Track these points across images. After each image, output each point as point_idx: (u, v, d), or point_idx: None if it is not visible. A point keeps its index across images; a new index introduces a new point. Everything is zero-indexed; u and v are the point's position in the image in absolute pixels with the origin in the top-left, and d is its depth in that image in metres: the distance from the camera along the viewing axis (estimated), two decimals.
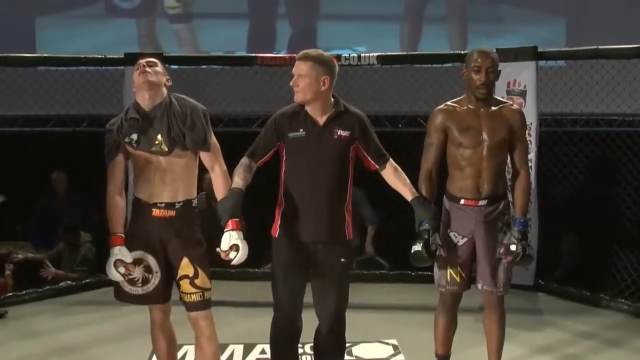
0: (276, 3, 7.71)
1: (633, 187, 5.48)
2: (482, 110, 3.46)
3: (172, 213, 3.21)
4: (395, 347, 4.39)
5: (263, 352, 4.22)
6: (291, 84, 3.24)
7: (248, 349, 4.34)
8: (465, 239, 3.51)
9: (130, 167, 3.36)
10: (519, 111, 3.57)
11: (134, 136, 3.18)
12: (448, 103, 3.54)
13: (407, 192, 3.35)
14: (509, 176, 3.64)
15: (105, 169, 3.27)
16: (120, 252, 3.16)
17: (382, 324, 4.82)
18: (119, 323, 4.76)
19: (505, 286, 3.55)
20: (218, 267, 3.21)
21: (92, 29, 7.41)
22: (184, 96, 3.31)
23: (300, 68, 3.22)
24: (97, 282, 5.65)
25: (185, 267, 3.22)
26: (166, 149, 3.17)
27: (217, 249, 3.16)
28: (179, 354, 3.92)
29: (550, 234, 5.80)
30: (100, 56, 5.73)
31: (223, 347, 4.11)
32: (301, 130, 3.25)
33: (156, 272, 3.24)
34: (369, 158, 3.34)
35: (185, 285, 3.23)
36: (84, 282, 5.67)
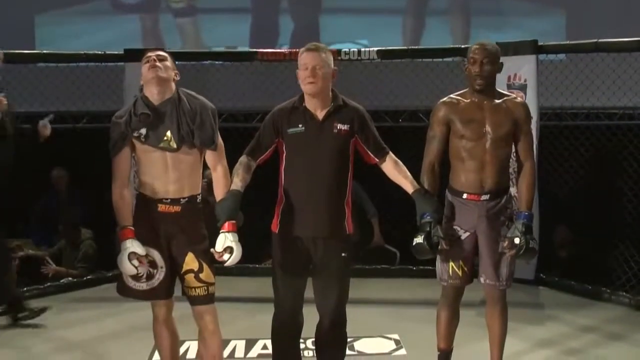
0: None
1: (634, 180, 5.48)
2: (485, 103, 3.45)
3: (177, 208, 3.21)
4: (397, 341, 4.39)
5: (265, 347, 4.22)
6: (307, 75, 3.18)
7: (250, 345, 4.34)
8: (468, 233, 3.50)
9: (133, 162, 3.35)
10: (523, 104, 3.56)
11: (143, 131, 3.17)
12: (452, 96, 3.53)
13: (408, 185, 3.35)
14: (511, 169, 3.64)
15: (110, 162, 3.26)
16: (132, 245, 3.15)
17: (383, 318, 4.82)
18: (120, 319, 4.76)
19: (507, 280, 3.54)
20: (219, 263, 3.21)
21: (93, 26, 7.41)
22: (193, 92, 3.30)
23: (318, 58, 3.19)
24: (98, 279, 5.66)
25: (190, 261, 3.23)
26: (175, 146, 3.17)
27: (212, 250, 3.18)
28: (181, 350, 3.92)
29: (552, 228, 5.82)
30: (100, 52, 5.72)
31: (225, 343, 4.10)
32: (300, 125, 3.24)
33: (161, 267, 3.24)
34: (369, 152, 3.33)
35: (190, 279, 3.24)
36: (85, 278, 5.68)
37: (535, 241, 3.47)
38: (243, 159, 3.31)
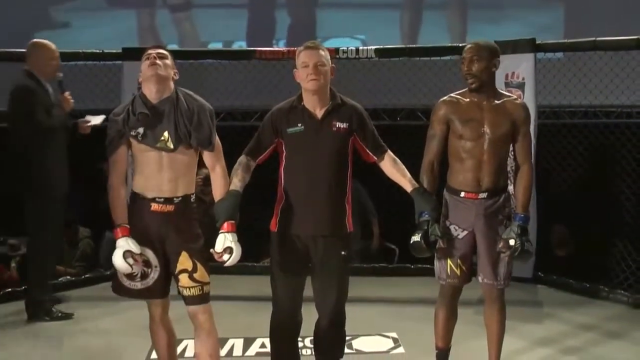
0: None
1: (632, 178, 5.48)
2: (485, 103, 3.45)
3: (170, 208, 3.21)
4: (395, 340, 4.40)
5: (263, 345, 4.22)
6: (309, 72, 3.18)
7: (248, 343, 4.34)
8: (466, 232, 3.51)
9: (130, 160, 3.35)
10: (522, 105, 3.55)
11: (141, 130, 3.16)
12: (452, 95, 3.54)
13: (406, 183, 3.35)
14: (509, 168, 3.64)
15: (107, 160, 3.26)
16: (128, 243, 3.14)
17: (382, 317, 4.82)
18: (118, 318, 4.76)
19: (505, 279, 3.55)
20: (214, 262, 3.21)
21: (89, 23, 7.41)
22: (191, 92, 3.29)
23: (318, 56, 3.20)
24: (96, 278, 5.65)
25: (184, 261, 3.22)
26: (171, 147, 3.16)
27: (211, 250, 3.17)
28: (179, 349, 3.92)
29: (549, 227, 5.82)
30: (98, 51, 5.71)
31: (223, 341, 4.11)
32: (299, 124, 3.25)
33: (155, 267, 3.23)
34: (367, 150, 3.33)
35: (184, 279, 3.22)
36: (83, 277, 5.67)
37: (530, 243, 3.49)
38: (242, 159, 3.31)
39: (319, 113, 3.25)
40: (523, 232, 3.43)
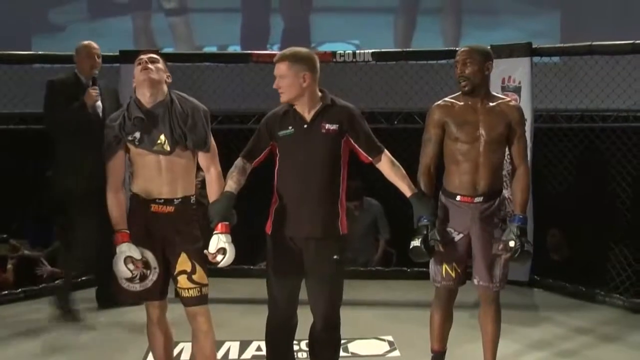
0: None
1: (628, 182, 5.49)
2: (479, 106, 3.47)
3: (170, 209, 3.23)
4: (391, 343, 4.40)
5: (259, 349, 4.23)
6: (274, 86, 3.26)
7: (244, 346, 4.34)
8: (461, 235, 3.52)
9: (127, 163, 3.36)
10: (517, 107, 3.57)
11: (137, 134, 3.18)
12: (446, 99, 3.55)
13: (405, 187, 3.36)
14: (504, 172, 3.65)
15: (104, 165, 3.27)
16: (129, 249, 3.16)
17: (377, 320, 4.82)
18: (114, 321, 4.76)
19: (501, 281, 3.55)
20: (212, 264, 3.22)
21: (85, 26, 7.42)
22: (184, 95, 3.31)
23: (279, 69, 3.24)
24: (92, 280, 5.63)
25: (183, 262, 3.23)
26: (168, 149, 3.18)
27: (205, 251, 3.19)
28: (175, 351, 3.92)
29: (545, 231, 5.83)
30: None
31: (219, 344, 4.11)
32: (290, 127, 3.26)
33: (154, 268, 3.24)
34: (360, 150, 3.34)
35: (183, 280, 3.24)
36: (80, 279, 5.65)
37: (530, 244, 3.49)
38: (238, 162, 3.32)
39: (309, 115, 3.27)
40: (522, 233, 3.44)
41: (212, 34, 7.40)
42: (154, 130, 3.17)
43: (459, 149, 3.47)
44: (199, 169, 3.36)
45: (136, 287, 3.25)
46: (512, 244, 3.42)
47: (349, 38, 7.13)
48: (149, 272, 3.24)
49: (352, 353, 4.26)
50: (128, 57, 5.05)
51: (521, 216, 3.48)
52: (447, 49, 5.98)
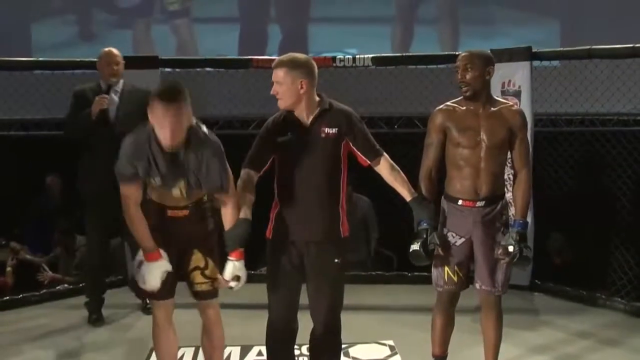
0: (267, 7, 7.72)
1: (628, 186, 5.49)
2: (481, 110, 3.48)
3: (185, 212, 3.32)
4: (392, 347, 4.40)
5: (260, 353, 4.22)
6: (272, 92, 3.25)
7: (245, 351, 4.35)
8: (463, 239, 3.52)
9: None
10: (519, 112, 3.57)
11: (157, 179, 3.17)
12: (448, 103, 3.56)
13: (404, 191, 3.36)
14: (506, 176, 3.65)
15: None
16: (167, 266, 3.22)
17: (378, 324, 4.82)
18: (116, 326, 4.75)
19: (503, 286, 3.56)
20: (224, 260, 3.28)
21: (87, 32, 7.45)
22: (199, 129, 3.15)
23: (277, 75, 3.24)
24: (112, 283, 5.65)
25: (197, 259, 3.36)
26: (185, 196, 3.26)
27: (219, 276, 3.28)
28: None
29: (546, 235, 5.83)
30: (96, 60, 5.71)
31: None
32: (289, 133, 3.26)
33: (170, 270, 3.28)
34: (359, 153, 3.33)
35: (196, 276, 3.36)
36: (80, 285, 5.65)
37: (529, 249, 3.49)
38: (244, 174, 3.27)
39: (307, 120, 3.27)
40: (522, 239, 3.45)
41: (210, 44, 7.42)
42: (172, 178, 3.18)
43: (461, 153, 3.48)
44: None
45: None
46: (510, 249, 3.42)
47: (347, 47, 7.12)
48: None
49: (353, 358, 4.25)
50: (130, 63, 5.04)
51: (521, 221, 3.49)
52: (447, 53, 5.99)
